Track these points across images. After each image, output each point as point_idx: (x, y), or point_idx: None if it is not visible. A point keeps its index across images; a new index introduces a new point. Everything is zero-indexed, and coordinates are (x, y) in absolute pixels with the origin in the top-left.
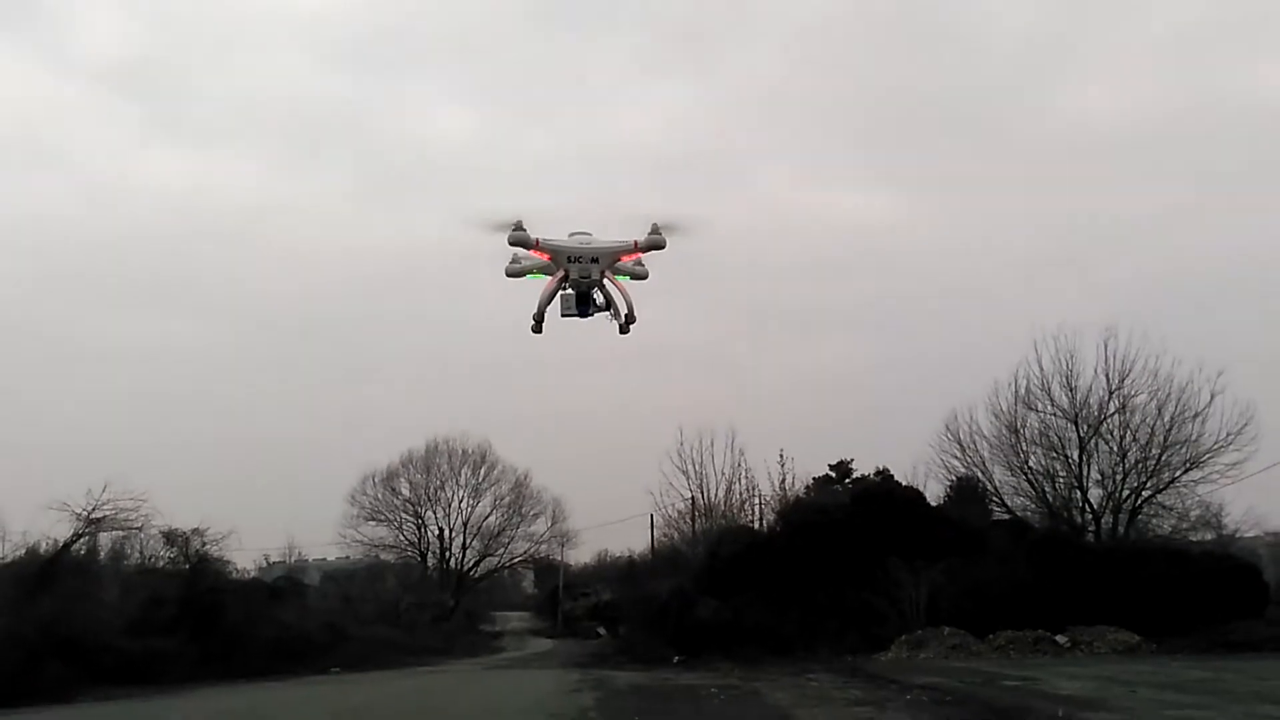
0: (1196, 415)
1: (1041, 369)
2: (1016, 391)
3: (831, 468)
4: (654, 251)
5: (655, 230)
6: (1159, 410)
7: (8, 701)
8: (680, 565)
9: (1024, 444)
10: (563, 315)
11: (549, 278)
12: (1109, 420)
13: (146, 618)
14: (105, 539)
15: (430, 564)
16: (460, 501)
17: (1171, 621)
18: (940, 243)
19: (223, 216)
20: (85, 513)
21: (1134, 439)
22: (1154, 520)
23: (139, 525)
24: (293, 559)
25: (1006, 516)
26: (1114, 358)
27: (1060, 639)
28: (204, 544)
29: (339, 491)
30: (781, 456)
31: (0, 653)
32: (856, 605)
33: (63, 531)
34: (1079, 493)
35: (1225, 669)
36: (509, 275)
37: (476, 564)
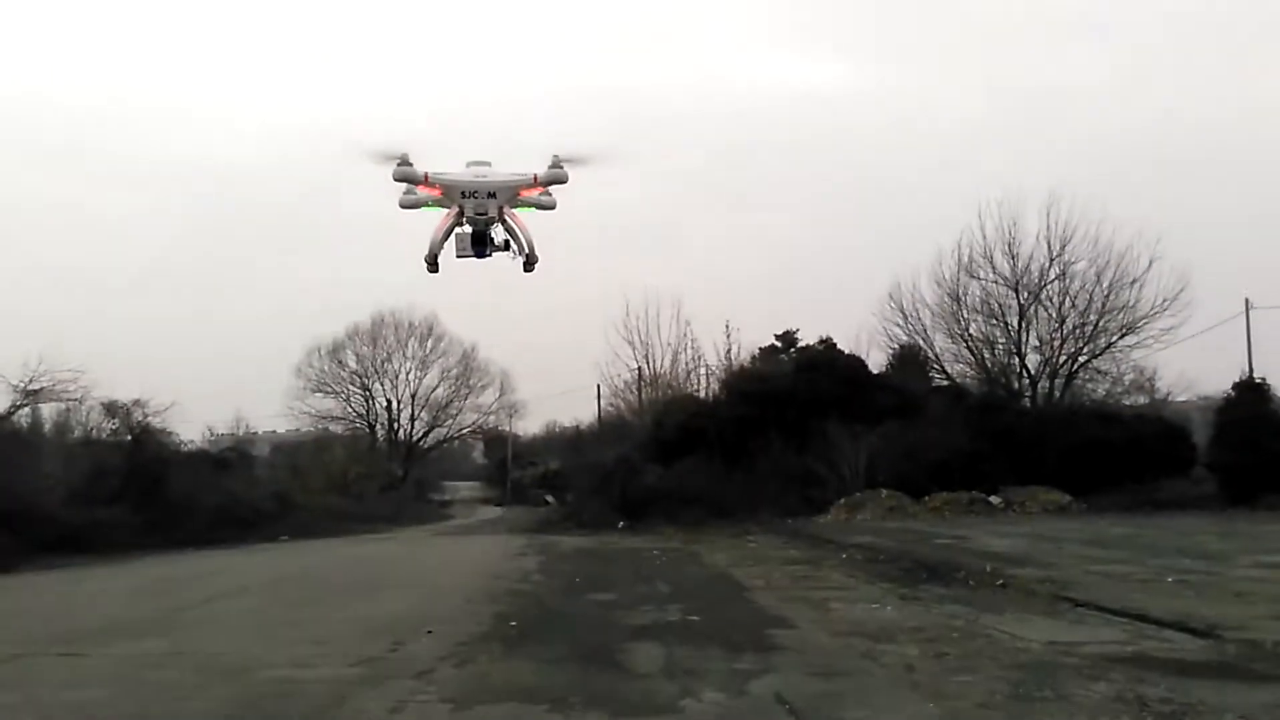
0: (1134, 281)
1: (984, 237)
2: (959, 259)
3: (777, 338)
4: (555, 186)
5: (556, 164)
6: (1098, 277)
7: None
8: (626, 435)
9: (965, 311)
10: (458, 256)
11: (445, 211)
12: (1049, 287)
13: (89, 489)
14: (46, 412)
15: (379, 435)
16: (408, 374)
17: (1102, 482)
18: (887, 113)
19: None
20: (22, 384)
21: (1073, 305)
22: (1089, 385)
23: (78, 397)
24: (241, 432)
25: (946, 383)
26: (1055, 225)
27: (994, 500)
28: (146, 415)
29: (285, 365)
30: (727, 328)
31: None
32: (798, 470)
33: None
34: (1017, 359)
35: (1149, 525)
36: (403, 207)
37: (425, 435)
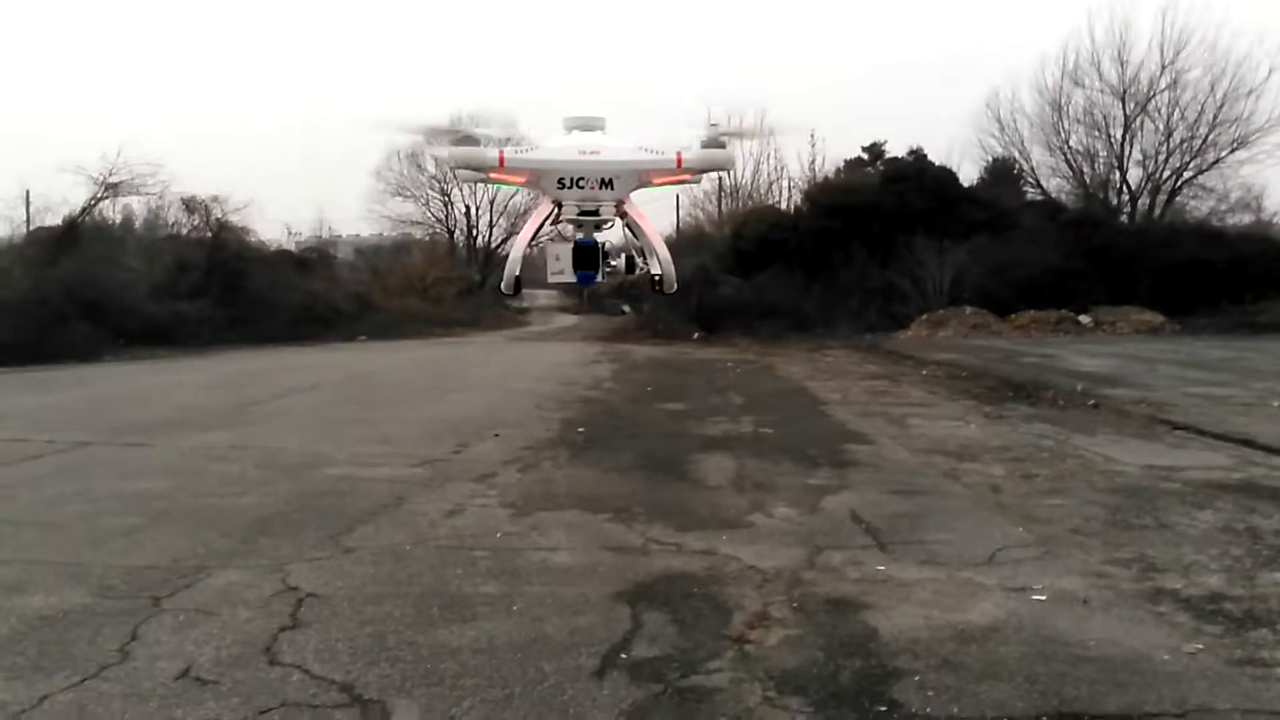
0: (1251, 92)
1: (1093, 41)
2: (1064, 66)
3: (864, 149)
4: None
5: (715, 138)
6: (1212, 86)
7: (37, 359)
8: (705, 246)
9: (1066, 122)
10: (550, 278)
11: (531, 209)
12: (1158, 97)
13: (171, 283)
14: (129, 208)
15: (458, 240)
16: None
17: (1199, 303)
18: None
19: None
20: (102, 177)
21: (1182, 117)
22: (1192, 202)
23: (157, 191)
24: (323, 234)
25: (1041, 198)
26: (1170, 29)
27: (1083, 319)
28: (224, 213)
29: (367, 168)
30: (812, 138)
31: (27, 312)
32: (879, 285)
33: (79, 196)
34: (1118, 173)
35: (1249, 348)
36: (462, 179)
37: (503, 241)
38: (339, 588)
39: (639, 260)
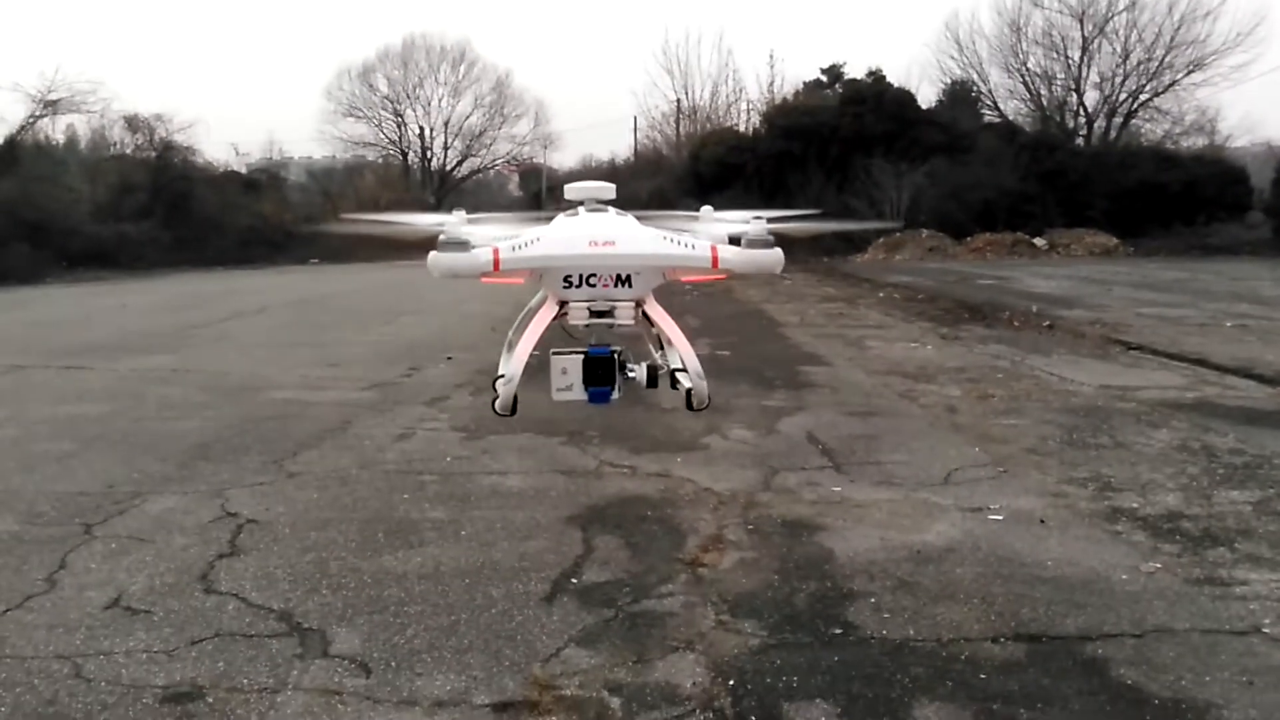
0: (1208, 14)
1: None
2: None
3: (823, 71)
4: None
5: (761, 237)
6: (1169, 8)
7: None
8: (662, 168)
9: (1025, 44)
10: (556, 395)
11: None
12: (1116, 18)
13: (115, 204)
14: (72, 128)
15: (412, 163)
16: (440, 100)
17: (1152, 226)
18: None
19: None
20: (40, 94)
21: (1139, 39)
22: (1148, 125)
23: (98, 109)
24: (274, 155)
25: (999, 120)
26: None
27: (1038, 242)
28: (169, 132)
29: (318, 87)
30: (771, 59)
31: None
32: (837, 208)
33: (17, 114)
34: (1075, 95)
35: (1201, 270)
36: (441, 275)
37: (459, 164)
38: (280, 513)
39: (658, 376)
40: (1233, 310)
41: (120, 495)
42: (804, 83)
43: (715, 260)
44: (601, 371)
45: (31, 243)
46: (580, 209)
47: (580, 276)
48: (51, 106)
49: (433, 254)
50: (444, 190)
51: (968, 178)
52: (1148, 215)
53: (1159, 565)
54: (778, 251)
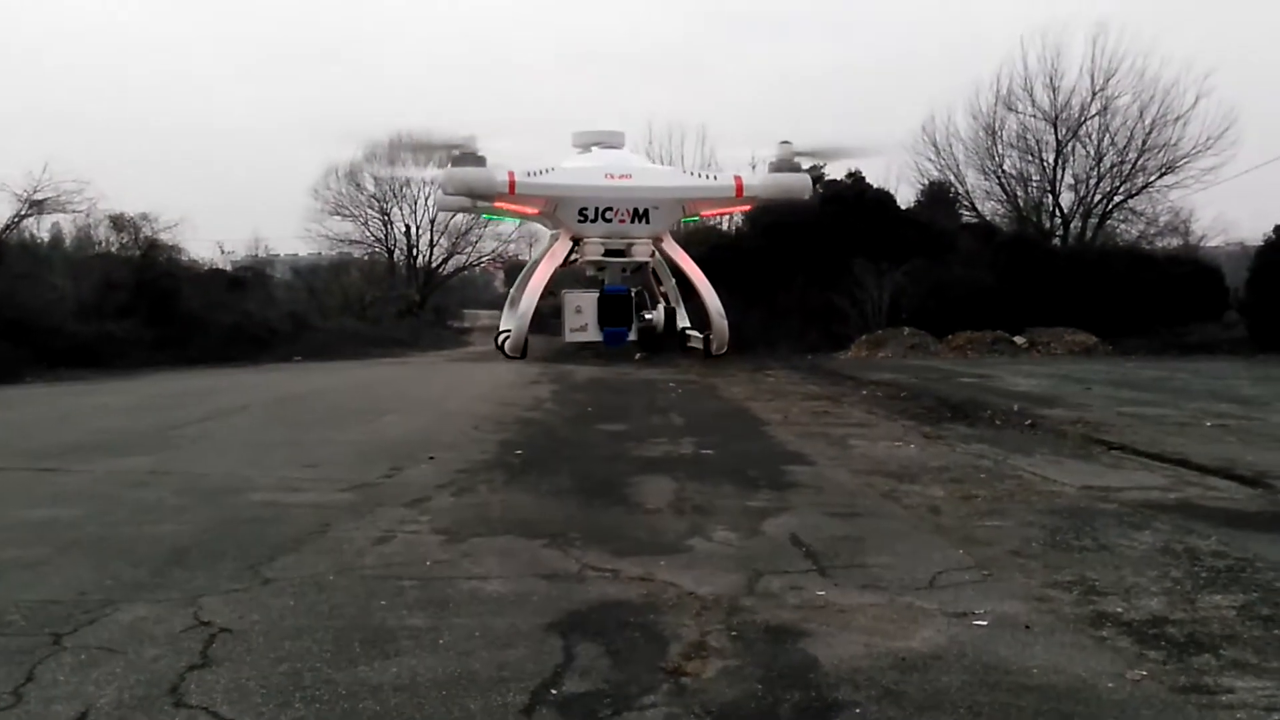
0: (1178, 118)
1: (1025, 67)
2: (998, 92)
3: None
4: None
5: (786, 160)
6: (1140, 113)
7: None
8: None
9: (1000, 146)
10: (570, 338)
11: (540, 249)
12: (1089, 123)
13: (98, 302)
14: (54, 225)
15: (397, 260)
16: (426, 199)
17: (1130, 325)
18: None
19: None
20: (26, 194)
21: (1112, 142)
22: (1122, 226)
23: (84, 209)
24: (260, 253)
25: (976, 221)
26: (1101, 56)
27: (1018, 340)
28: (155, 231)
29: (304, 186)
30: (753, 159)
31: None
32: (819, 305)
33: (3, 213)
34: (1051, 197)
35: (1179, 369)
36: (445, 209)
37: (444, 261)
38: (255, 622)
39: (676, 322)
40: (1212, 409)
41: (91, 603)
42: None
43: (740, 189)
44: (618, 310)
45: (12, 341)
46: (594, 148)
47: (596, 210)
48: (37, 206)
49: (447, 169)
50: (429, 287)
51: (947, 276)
52: (1125, 314)
53: (1145, 673)
54: (805, 177)
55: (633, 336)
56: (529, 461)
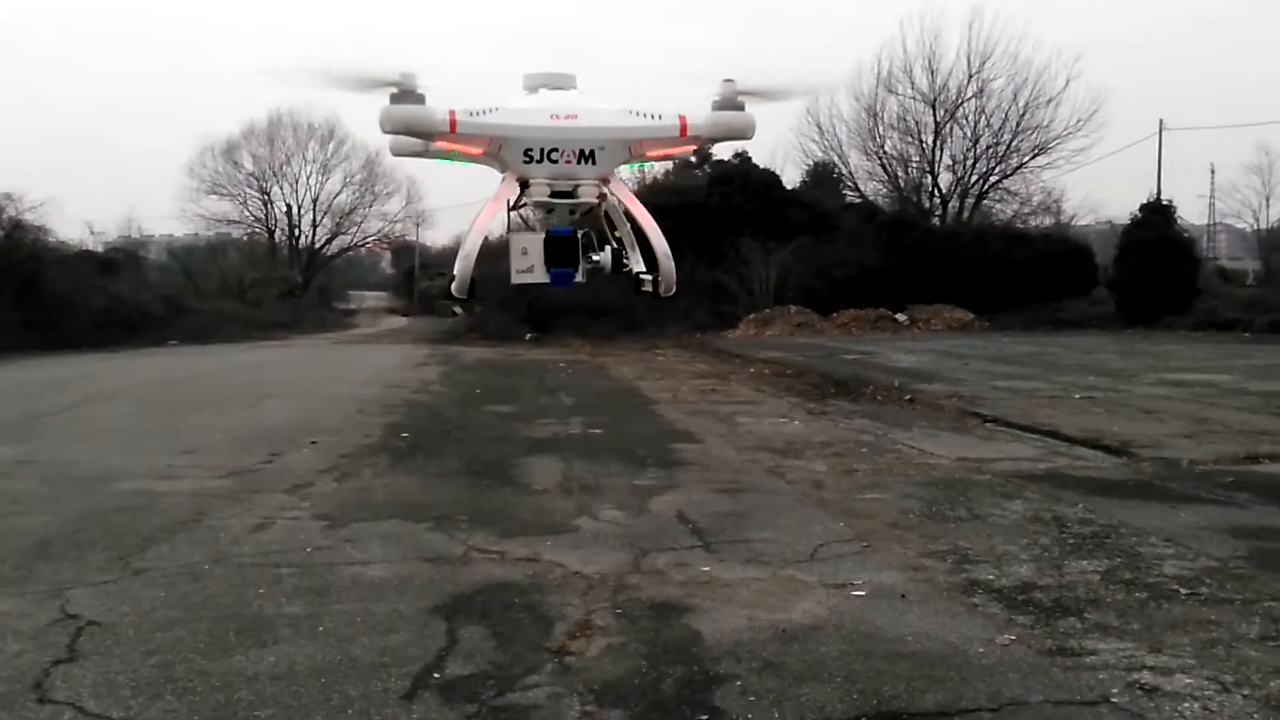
0: (1050, 101)
1: (905, 51)
2: (879, 74)
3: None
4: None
5: (729, 98)
6: (1014, 95)
7: None
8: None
9: (881, 128)
10: (516, 279)
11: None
12: (966, 105)
13: None
14: None
15: (279, 241)
16: (308, 177)
17: (1005, 301)
18: None
19: None
20: None
21: (987, 124)
22: (998, 205)
23: None
24: (133, 234)
25: (859, 201)
26: (977, 40)
27: (900, 317)
28: (19, 211)
29: (180, 163)
30: None
31: None
32: (708, 285)
33: None
34: (930, 177)
35: (1052, 343)
36: (398, 154)
37: (328, 242)
38: (125, 614)
39: (626, 262)
40: (1081, 382)
41: None
42: (673, 163)
43: (684, 129)
44: (564, 251)
45: None
46: (542, 90)
47: (541, 151)
48: None
49: (385, 106)
50: (312, 269)
51: (832, 255)
52: (1001, 291)
53: (1014, 637)
54: (749, 115)
55: (580, 278)
56: (415, 444)
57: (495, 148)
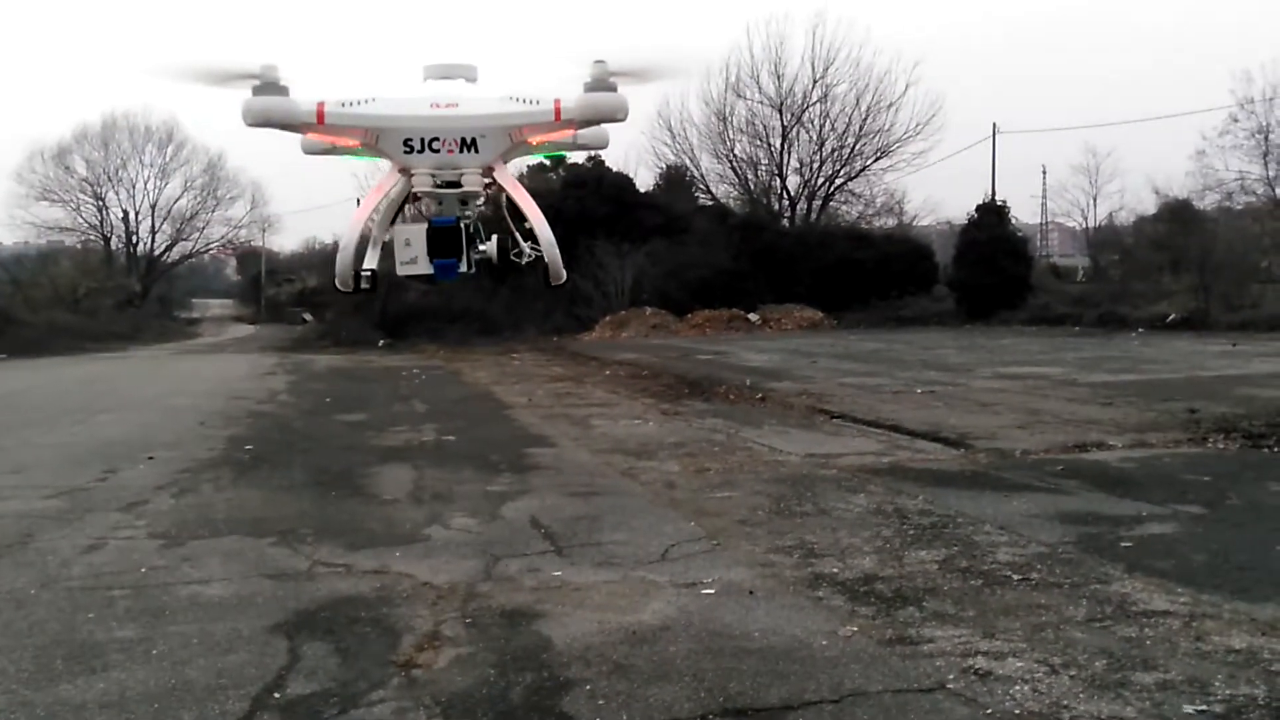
0: (891, 105)
1: (752, 56)
2: (727, 79)
3: (545, 156)
4: (603, 124)
5: (601, 79)
6: (857, 100)
7: None
8: (388, 250)
9: (731, 132)
10: (400, 270)
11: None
12: (811, 109)
13: None
14: None
15: (115, 249)
16: (146, 182)
17: (852, 300)
18: None
19: None
20: None
21: (832, 128)
22: (844, 207)
23: None
24: None
25: (711, 203)
26: (820, 46)
27: (752, 317)
28: None
29: (5, 170)
30: None
31: None
32: (564, 289)
33: None
34: (779, 180)
35: (895, 340)
36: (308, 153)
37: (168, 249)
38: None
39: (519, 246)
40: (922, 377)
41: None
42: (527, 166)
43: (558, 111)
44: (447, 242)
45: None
46: (431, 80)
47: (422, 141)
48: None
49: (245, 98)
50: (152, 277)
51: (685, 257)
52: (848, 290)
53: (855, 629)
54: (621, 96)
55: (464, 268)
56: (259, 457)
57: (372, 139)
